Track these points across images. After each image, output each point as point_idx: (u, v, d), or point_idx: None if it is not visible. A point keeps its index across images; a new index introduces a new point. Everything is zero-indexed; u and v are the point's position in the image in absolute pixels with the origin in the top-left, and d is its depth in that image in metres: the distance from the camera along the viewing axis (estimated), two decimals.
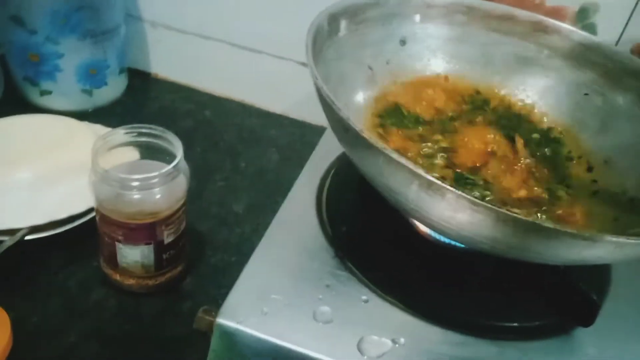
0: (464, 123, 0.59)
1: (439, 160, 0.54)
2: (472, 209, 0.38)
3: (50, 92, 0.77)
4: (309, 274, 0.49)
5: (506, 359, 0.45)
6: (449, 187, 0.38)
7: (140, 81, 0.87)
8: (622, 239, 0.38)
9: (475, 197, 0.37)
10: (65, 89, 0.77)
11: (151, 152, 0.53)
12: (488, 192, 0.52)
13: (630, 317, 0.50)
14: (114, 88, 0.81)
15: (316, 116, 0.79)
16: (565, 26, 0.61)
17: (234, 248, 0.62)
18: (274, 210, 0.54)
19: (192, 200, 0.56)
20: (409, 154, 0.54)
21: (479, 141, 0.56)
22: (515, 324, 0.47)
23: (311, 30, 0.50)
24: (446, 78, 0.62)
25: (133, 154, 0.55)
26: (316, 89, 0.45)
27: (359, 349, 0.44)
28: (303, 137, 0.80)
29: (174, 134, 0.53)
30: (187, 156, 0.52)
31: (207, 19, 0.81)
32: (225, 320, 0.44)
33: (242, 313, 0.45)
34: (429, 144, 0.56)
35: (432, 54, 0.62)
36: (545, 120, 0.62)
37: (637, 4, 0.63)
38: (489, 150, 0.56)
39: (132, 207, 0.50)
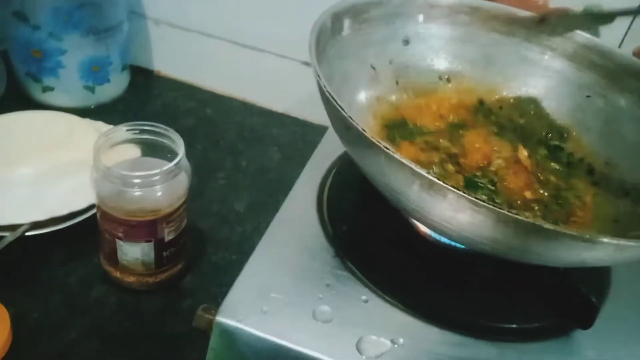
0: (469, 129, 0.59)
1: (450, 166, 0.54)
2: (473, 209, 0.38)
3: (52, 89, 0.77)
4: (309, 273, 0.49)
5: None
6: (450, 187, 0.38)
7: (143, 78, 0.87)
8: (622, 241, 0.38)
9: (480, 199, 0.37)
10: (67, 85, 0.77)
11: (153, 149, 0.53)
12: (494, 195, 0.52)
13: (629, 319, 0.50)
14: (116, 85, 0.81)
15: (318, 115, 0.79)
16: None
17: (235, 246, 0.62)
18: (275, 209, 0.54)
19: (193, 198, 0.56)
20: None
21: (484, 143, 0.56)
22: (515, 326, 0.47)
23: (314, 30, 0.50)
24: (448, 79, 0.62)
25: (135, 151, 0.55)
26: (319, 87, 0.45)
27: (358, 349, 0.44)
28: (305, 136, 0.80)
29: (175, 131, 0.53)
30: (189, 154, 0.52)
31: (211, 17, 0.81)
32: (225, 318, 0.44)
33: (242, 311, 0.45)
34: (437, 152, 0.56)
35: (435, 54, 0.62)
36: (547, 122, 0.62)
37: None
38: (493, 155, 0.56)
39: (133, 204, 0.50)
